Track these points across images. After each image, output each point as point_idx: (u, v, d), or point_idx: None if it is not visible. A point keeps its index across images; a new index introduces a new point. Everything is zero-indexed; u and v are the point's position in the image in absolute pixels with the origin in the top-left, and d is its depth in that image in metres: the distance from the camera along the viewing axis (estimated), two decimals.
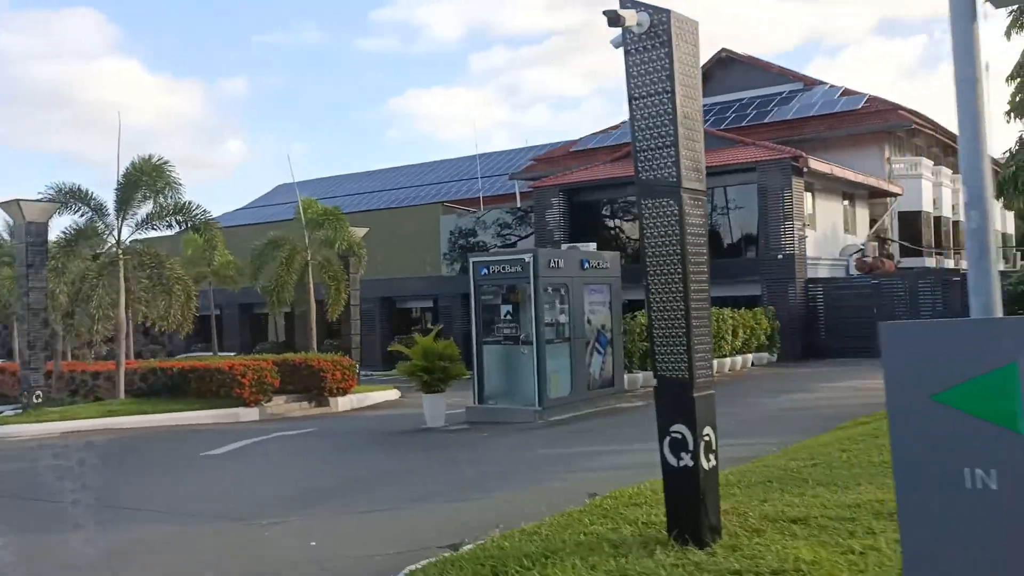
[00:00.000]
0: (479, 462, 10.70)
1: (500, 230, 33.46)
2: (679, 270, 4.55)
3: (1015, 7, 21.60)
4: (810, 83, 37.85)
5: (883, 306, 25.64)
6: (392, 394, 21.61)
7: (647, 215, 4.69)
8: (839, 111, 33.99)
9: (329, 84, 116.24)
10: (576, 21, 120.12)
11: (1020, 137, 22.19)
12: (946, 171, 38.21)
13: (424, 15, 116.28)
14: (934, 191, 36.69)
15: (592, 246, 17.70)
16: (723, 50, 39.56)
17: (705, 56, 40.88)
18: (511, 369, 15.47)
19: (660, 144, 4.57)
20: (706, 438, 4.49)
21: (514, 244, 31.93)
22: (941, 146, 38.30)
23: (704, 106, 27.05)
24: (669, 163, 4.57)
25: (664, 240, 4.61)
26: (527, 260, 14.92)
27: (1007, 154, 22.44)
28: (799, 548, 4.39)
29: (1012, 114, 21.45)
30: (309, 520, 7.55)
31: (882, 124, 33.17)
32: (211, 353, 28.69)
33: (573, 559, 4.44)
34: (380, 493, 8.86)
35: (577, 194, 30.70)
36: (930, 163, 36.25)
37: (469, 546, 5.25)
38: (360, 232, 23.79)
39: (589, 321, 16.05)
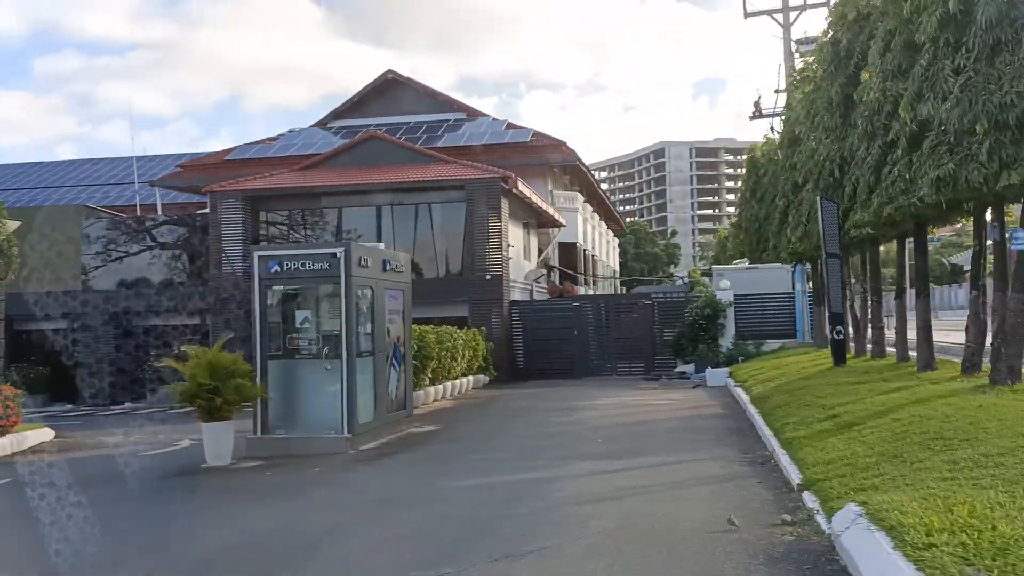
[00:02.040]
0: (399, 506, 8.03)
1: (106, 246, 28.56)
2: None
3: None
4: (474, 114, 38.64)
5: (581, 328, 26.37)
6: (47, 433, 16.94)
7: None
8: (509, 142, 34.82)
9: None
10: (165, 36, 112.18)
11: None
12: (588, 207, 41.30)
13: None
14: (583, 225, 39.35)
15: (380, 245, 15.35)
16: (389, 71, 38.83)
17: (371, 76, 39.71)
18: (307, 390, 12.59)
19: None
20: None
21: (119, 261, 27.42)
22: (584, 184, 41.20)
23: (372, 126, 25.60)
24: None
25: None
26: (338, 255, 12.25)
27: None
28: None
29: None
30: None
31: (550, 158, 34.65)
32: None
33: None
34: (352, 558, 6.02)
35: (261, 202, 27.40)
36: (582, 198, 38.81)
37: None
38: (12, 225, 18.42)
39: (388, 332, 13.75)
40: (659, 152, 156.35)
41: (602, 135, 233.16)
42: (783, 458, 8.44)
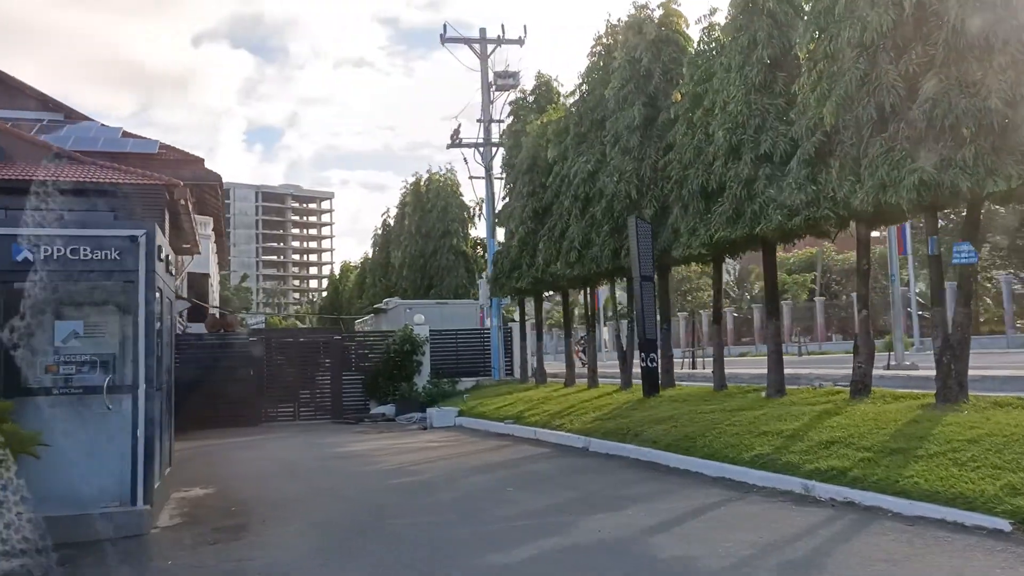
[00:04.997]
0: None
1: None
2: None
3: None
4: (75, 116, 32.27)
5: (257, 368, 22.52)
6: None
7: None
8: (133, 151, 29.34)
9: None
10: None
11: None
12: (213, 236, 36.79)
13: None
14: (211, 256, 34.79)
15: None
16: None
17: None
18: (68, 442, 8.15)
19: None
20: None
21: None
22: (212, 211, 36.59)
23: None
24: None
25: None
26: (138, 239, 8.20)
27: None
28: None
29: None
30: None
31: (191, 175, 29.89)
32: None
33: None
34: None
35: None
36: (211, 225, 34.34)
37: None
38: None
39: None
40: (223, 194, 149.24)
41: None
42: (862, 495, 7.11)
